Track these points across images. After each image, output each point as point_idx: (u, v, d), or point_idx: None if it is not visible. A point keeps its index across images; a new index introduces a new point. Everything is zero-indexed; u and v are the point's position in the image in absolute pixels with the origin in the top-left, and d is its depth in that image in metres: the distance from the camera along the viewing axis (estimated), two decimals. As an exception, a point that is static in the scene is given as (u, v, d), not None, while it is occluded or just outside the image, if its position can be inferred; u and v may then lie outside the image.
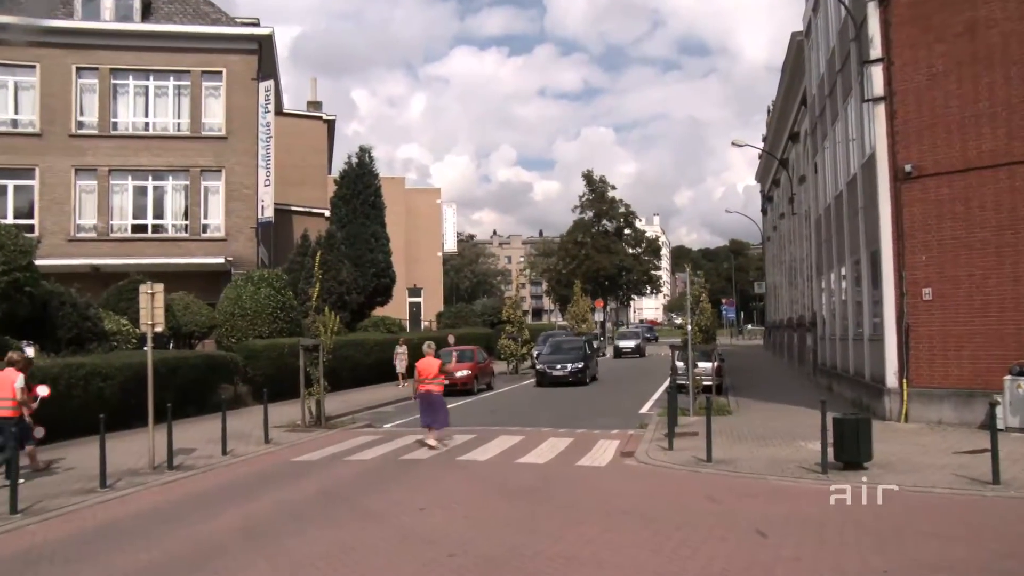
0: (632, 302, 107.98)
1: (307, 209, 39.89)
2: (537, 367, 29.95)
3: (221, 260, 29.91)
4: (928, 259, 15.98)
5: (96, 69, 30.31)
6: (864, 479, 11.14)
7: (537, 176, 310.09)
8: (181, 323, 24.37)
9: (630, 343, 49.54)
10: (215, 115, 31.19)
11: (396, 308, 45.08)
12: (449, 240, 64.35)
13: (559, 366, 29.14)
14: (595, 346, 36.08)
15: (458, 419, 18.66)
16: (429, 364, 15.70)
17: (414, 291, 55.60)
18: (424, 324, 53.57)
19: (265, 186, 31.39)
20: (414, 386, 16.01)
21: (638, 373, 34.37)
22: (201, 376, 21.05)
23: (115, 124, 30.58)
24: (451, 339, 33.16)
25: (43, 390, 12.94)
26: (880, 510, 9.69)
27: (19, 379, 12.29)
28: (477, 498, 10.95)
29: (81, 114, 30.43)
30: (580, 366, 29.23)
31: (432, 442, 15.19)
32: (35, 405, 12.68)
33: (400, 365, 29.29)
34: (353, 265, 35.59)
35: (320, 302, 21.83)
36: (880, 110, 16.58)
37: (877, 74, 16.61)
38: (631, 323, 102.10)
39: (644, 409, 21.86)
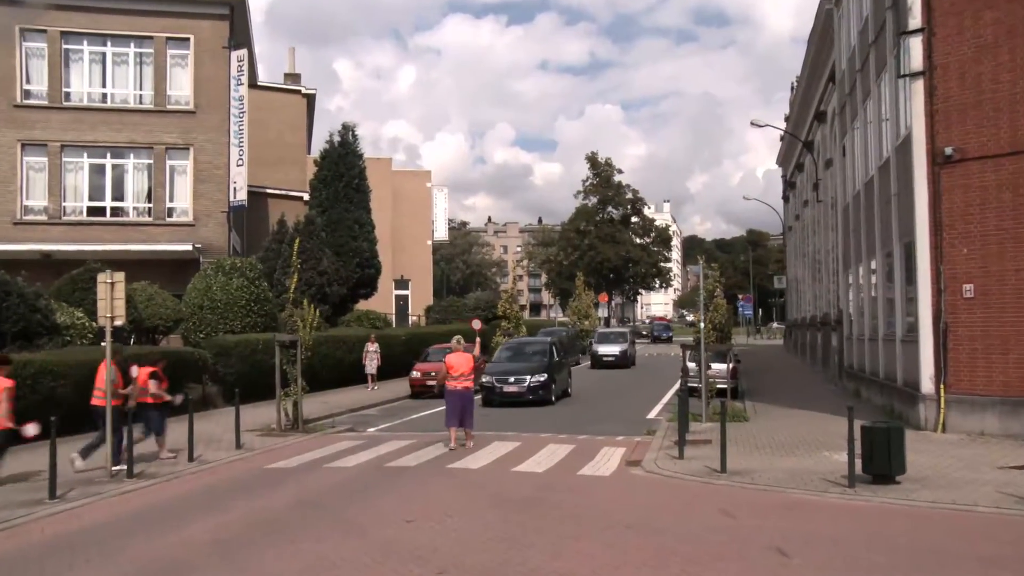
0: (639, 297, 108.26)
1: (284, 192, 39.91)
2: (483, 380, 24.10)
3: (188, 247, 29.83)
4: (970, 252, 15.94)
5: (44, 32, 30.04)
6: (896, 495, 11.15)
7: (537, 158, 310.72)
8: (144, 316, 24.29)
9: (613, 349, 39.68)
10: (182, 87, 31.07)
11: (381, 301, 45.12)
12: (440, 227, 64.38)
13: (512, 379, 23.98)
14: (575, 346, 34.08)
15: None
16: (460, 359, 16.07)
17: (401, 283, 55.60)
18: (412, 319, 53.60)
19: (238, 166, 31.32)
20: (439, 382, 16.39)
21: (621, 390, 29.02)
22: (166, 375, 20.94)
23: (68, 95, 30.42)
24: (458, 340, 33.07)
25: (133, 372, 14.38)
26: (915, 530, 9.67)
27: (110, 369, 13.53)
28: (469, 509, 10.95)
29: (28, 82, 30.21)
30: (541, 379, 24.03)
31: (457, 444, 15.66)
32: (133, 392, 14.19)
33: (371, 365, 29.14)
34: (334, 254, 35.60)
35: (298, 294, 21.85)
36: (918, 86, 16.53)
37: (916, 46, 16.55)
38: (620, 320, 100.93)
39: (652, 414, 21.94)
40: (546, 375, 24.22)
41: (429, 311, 50.59)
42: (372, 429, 19.47)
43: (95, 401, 13.99)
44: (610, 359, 39.13)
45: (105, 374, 13.62)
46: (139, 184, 30.89)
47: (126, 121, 30.51)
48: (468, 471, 13.79)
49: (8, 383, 12.51)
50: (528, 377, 24.02)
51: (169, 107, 30.81)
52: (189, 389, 21.64)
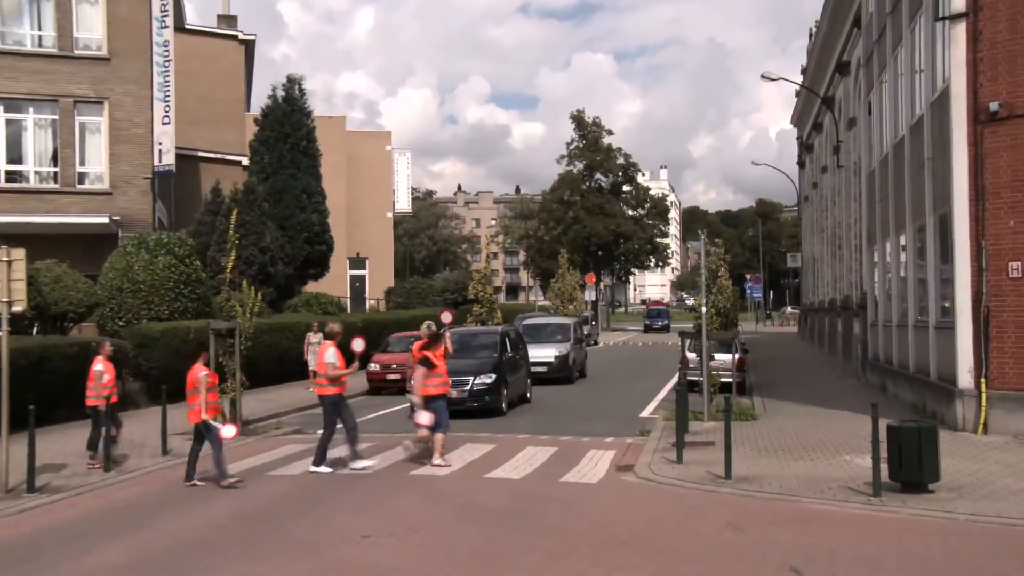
0: (632, 277, 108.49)
1: (219, 156, 39.56)
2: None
3: (105, 219, 29.45)
4: (1017, 225, 16.01)
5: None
6: (929, 505, 11.21)
7: (515, 117, 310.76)
8: (51, 301, 23.96)
9: (546, 353, 29.32)
10: (93, 28, 30.54)
11: (334, 283, 44.95)
12: (402, 198, 64.14)
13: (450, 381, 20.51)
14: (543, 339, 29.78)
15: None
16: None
17: (357, 261, 55.41)
18: (370, 303, 53.50)
19: (163, 124, 30.92)
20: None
21: (604, 387, 27.53)
22: (76, 370, 20.59)
23: (-56, 35, 29.78)
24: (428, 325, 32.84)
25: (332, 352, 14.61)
26: (951, 547, 9.71)
27: (328, 352, 14.48)
28: (436, 523, 10.94)
29: None
30: (488, 382, 21.58)
31: (418, 447, 15.56)
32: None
33: (313, 360, 28.91)
34: (279, 228, 35.34)
35: (236, 274, 21.74)
36: (959, 30, 16.52)
37: (956, -18, 16.55)
38: (611, 305, 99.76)
39: (646, 412, 21.97)
40: (494, 376, 21.72)
41: (390, 294, 50.46)
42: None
43: (91, 402, 15.19)
44: (542, 366, 28.35)
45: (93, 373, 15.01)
46: (42, 144, 30.38)
47: (23, 68, 29.77)
48: (435, 478, 13.78)
49: (201, 374, 13.72)
50: (471, 379, 21.29)
51: (77, 52, 30.24)
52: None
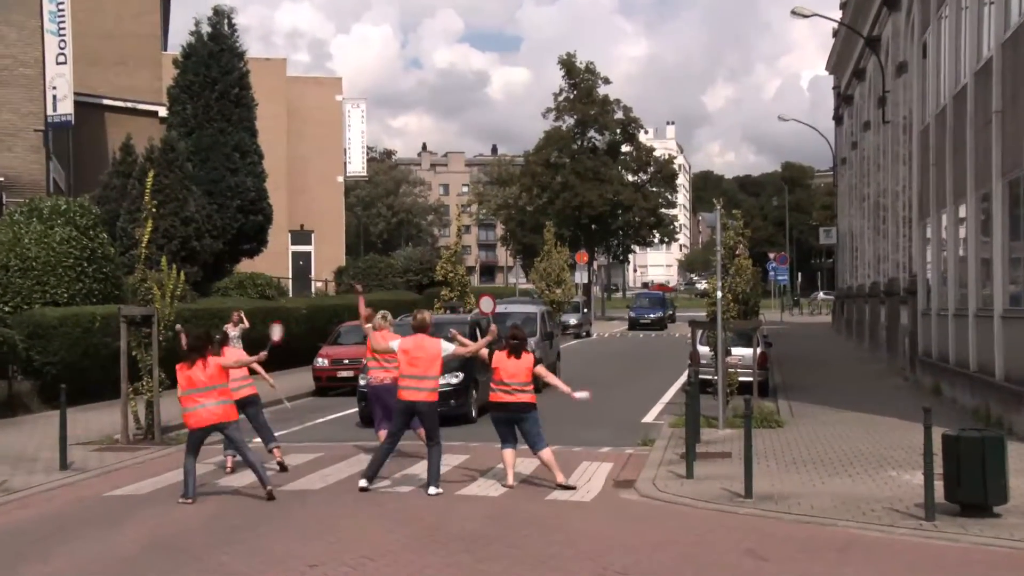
0: (632, 256, 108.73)
1: (130, 104, 39.43)
2: (361, 384, 20.88)
3: (-15, 180, 29.27)
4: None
5: None
6: (996, 532, 11.22)
7: (494, 61, 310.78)
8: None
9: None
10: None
11: (273, 261, 44.93)
12: (355, 159, 63.80)
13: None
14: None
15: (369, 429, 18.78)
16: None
17: (301, 235, 55.29)
18: (317, 285, 53.42)
19: (58, 64, 30.78)
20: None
21: (607, 382, 27.78)
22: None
23: None
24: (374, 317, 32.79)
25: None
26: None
27: (395, 343, 14.65)
28: (396, 549, 10.95)
29: None
30: (453, 383, 20.90)
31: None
32: None
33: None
34: (205, 194, 35.19)
35: (154, 250, 21.66)
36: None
37: None
38: (606, 288, 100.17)
39: (649, 417, 22.11)
40: (461, 375, 21.67)
41: (340, 274, 50.32)
42: (260, 439, 19.28)
43: None
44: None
45: None
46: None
47: None
48: (396, 495, 13.81)
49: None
50: None
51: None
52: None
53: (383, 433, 15.76)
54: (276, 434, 19.40)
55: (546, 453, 14.48)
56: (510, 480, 14.42)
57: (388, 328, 16.64)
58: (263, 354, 14.93)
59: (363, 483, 14.16)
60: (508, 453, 14.54)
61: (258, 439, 16.07)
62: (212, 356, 13.92)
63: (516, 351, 14.47)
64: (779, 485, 13.75)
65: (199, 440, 13.99)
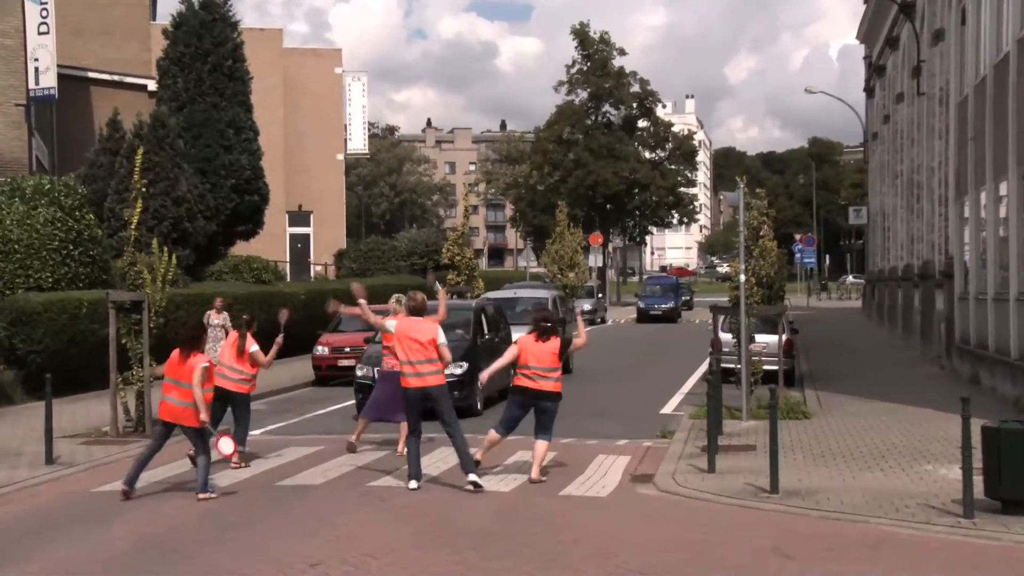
0: (649, 238, 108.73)
1: (117, 77, 39.38)
2: (359, 375, 21.51)
3: (-36, 159, 29.30)
4: None
5: None
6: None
7: (503, 31, 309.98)
8: None
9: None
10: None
11: (270, 243, 44.97)
12: (356, 135, 63.70)
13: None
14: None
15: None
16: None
17: (299, 216, 55.25)
18: (316, 269, 53.43)
19: (40, 34, 30.69)
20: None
21: (622, 370, 30.80)
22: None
23: None
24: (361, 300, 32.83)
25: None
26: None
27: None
28: (401, 547, 10.95)
29: None
30: (457, 373, 20.41)
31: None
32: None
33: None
34: (198, 173, 35.13)
35: (143, 232, 21.58)
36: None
37: None
38: (621, 272, 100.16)
39: (668, 408, 22.08)
40: (466, 365, 21.28)
41: (341, 258, 50.31)
42: (257, 431, 19.23)
43: None
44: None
45: None
46: None
47: None
48: (399, 491, 13.78)
49: (202, 365, 13.58)
50: None
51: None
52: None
53: (404, 426, 15.52)
54: (273, 426, 19.44)
55: (543, 446, 14.47)
56: (535, 473, 14.36)
57: (403, 313, 16.48)
58: (280, 338, 15.82)
59: (413, 484, 13.95)
60: (540, 445, 14.46)
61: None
62: (199, 353, 13.77)
63: (546, 335, 14.39)
64: (806, 480, 13.73)
65: (163, 434, 13.96)
